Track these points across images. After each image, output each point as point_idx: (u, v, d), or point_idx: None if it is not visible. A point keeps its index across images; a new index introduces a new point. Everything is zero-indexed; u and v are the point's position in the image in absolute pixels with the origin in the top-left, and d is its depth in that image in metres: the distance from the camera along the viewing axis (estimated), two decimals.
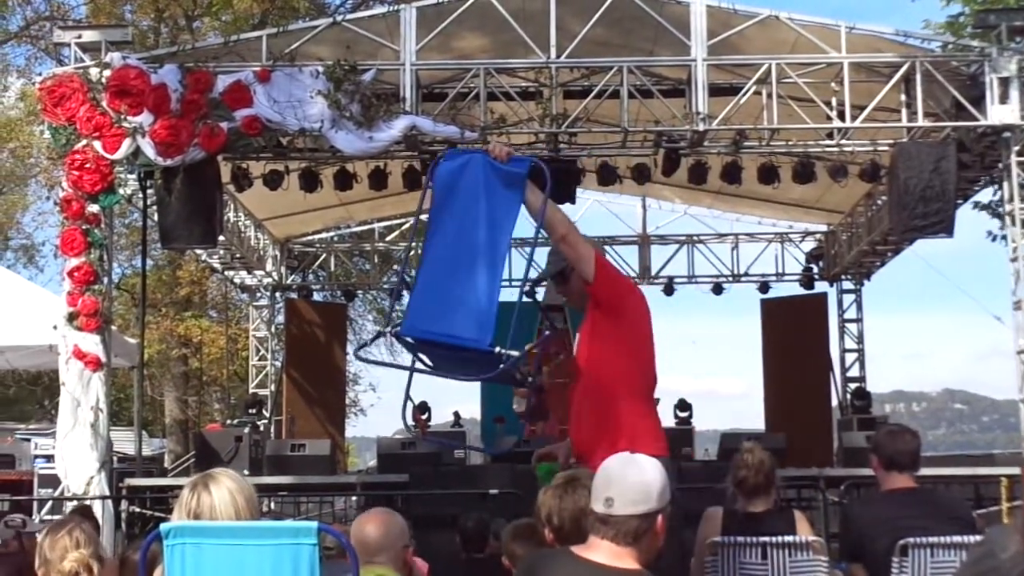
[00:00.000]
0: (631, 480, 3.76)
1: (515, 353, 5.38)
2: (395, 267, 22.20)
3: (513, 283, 21.74)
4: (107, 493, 12.58)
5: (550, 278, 6.05)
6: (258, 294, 21.46)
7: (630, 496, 3.73)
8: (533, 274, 6.77)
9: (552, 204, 5.74)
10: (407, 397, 5.96)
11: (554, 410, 17.80)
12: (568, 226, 5.80)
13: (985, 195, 19.11)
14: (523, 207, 5.73)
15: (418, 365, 5.85)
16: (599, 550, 3.77)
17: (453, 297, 5.52)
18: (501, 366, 5.44)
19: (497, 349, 5.34)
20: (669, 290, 21.61)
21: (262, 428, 18.16)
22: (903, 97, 13.39)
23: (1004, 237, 14.89)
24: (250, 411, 18.40)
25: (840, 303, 21.10)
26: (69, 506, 11.58)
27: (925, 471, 6.32)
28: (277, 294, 21.11)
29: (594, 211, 21.57)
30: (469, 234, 5.61)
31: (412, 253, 5.67)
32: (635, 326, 5.86)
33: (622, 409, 5.68)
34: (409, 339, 5.66)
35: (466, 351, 5.47)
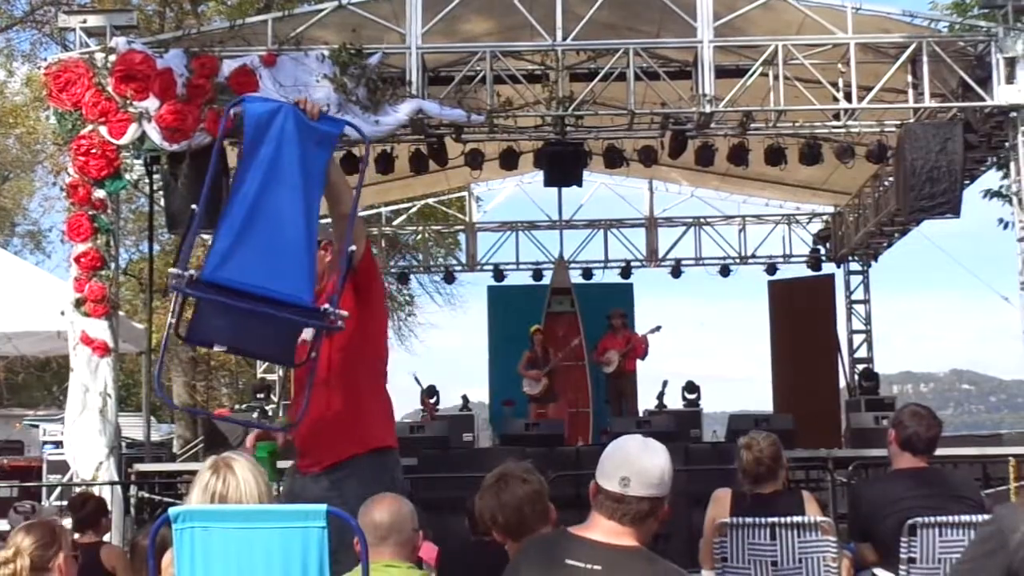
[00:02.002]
0: (648, 463, 3.73)
1: (344, 313, 5.19)
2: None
3: (521, 266, 21.87)
4: (116, 479, 12.59)
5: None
6: None
7: (646, 478, 3.70)
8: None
9: (347, 182, 5.58)
10: (162, 354, 5.74)
11: (564, 392, 17.84)
12: (351, 205, 5.65)
13: (993, 181, 19.14)
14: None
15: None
16: (597, 528, 3.73)
17: (270, 250, 5.20)
18: (319, 323, 5.15)
19: (325, 307, 5.09)
20: (676, 272, 21.68)
21: (270, 412, 18.19)
22: (910, 78, 13.37)
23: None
24: (258, 396, 18.43)
25: (847, 284, 21.17)
26: (77, 491, 11.59)
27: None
28: None
29: (601, 194, 21.64)
30: (282, 186, 5.33)
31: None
32: (377, 312, 5.80)
33: (363, 394, 5.61)
34: (203, 285, 5.16)
35: (279, 305, 5.11)
